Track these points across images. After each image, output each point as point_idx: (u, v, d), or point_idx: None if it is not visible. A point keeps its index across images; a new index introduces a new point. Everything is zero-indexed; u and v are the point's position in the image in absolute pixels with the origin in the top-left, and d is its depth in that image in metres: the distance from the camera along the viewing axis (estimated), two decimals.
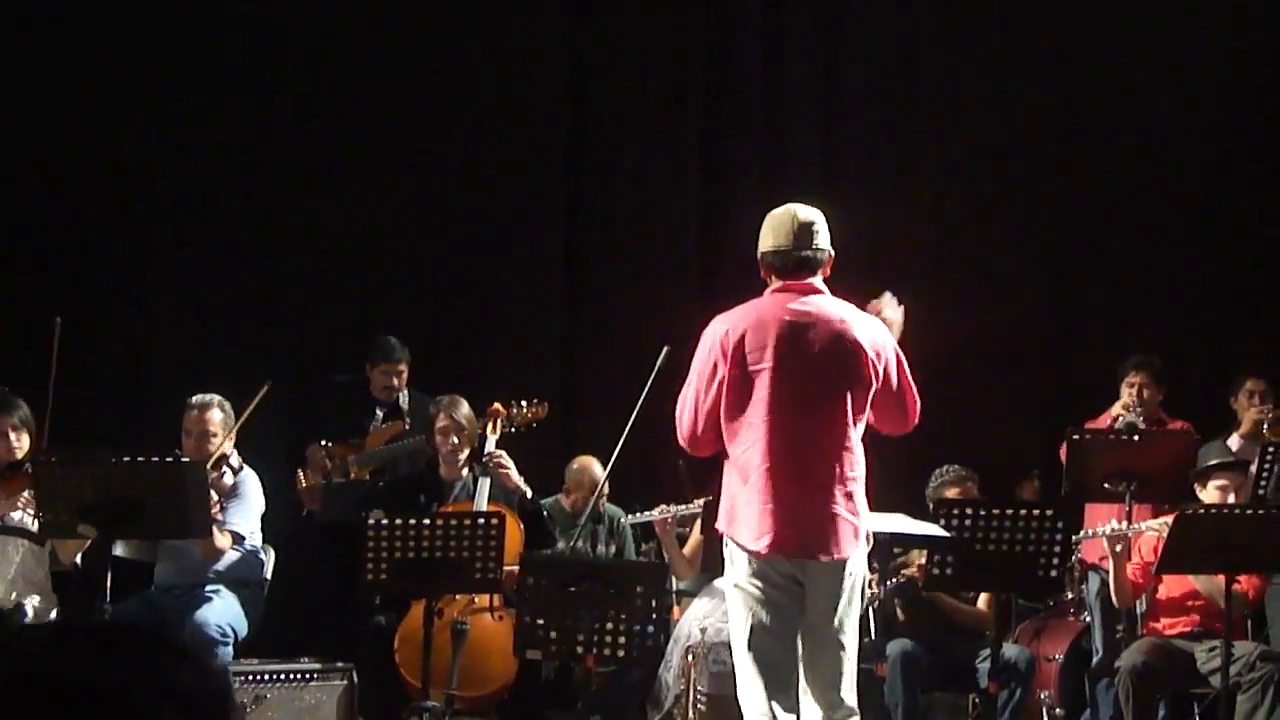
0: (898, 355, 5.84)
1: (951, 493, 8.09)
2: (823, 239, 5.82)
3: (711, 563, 7.97)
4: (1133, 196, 11.45)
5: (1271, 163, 11.54)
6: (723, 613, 7.33)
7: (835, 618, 5.69)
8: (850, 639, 5.76)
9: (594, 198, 11.21)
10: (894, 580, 7.80)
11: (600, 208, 11.20)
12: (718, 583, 7.55)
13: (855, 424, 5.70)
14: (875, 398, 5.74)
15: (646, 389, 7.45)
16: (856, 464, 5.71)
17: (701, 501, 8.09)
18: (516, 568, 7.32)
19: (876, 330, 5.80)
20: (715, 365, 5.69)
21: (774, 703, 5.64)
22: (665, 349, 7.59)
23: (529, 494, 8.04)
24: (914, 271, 10.13)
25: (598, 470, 8.46)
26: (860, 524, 5.73)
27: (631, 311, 10.75)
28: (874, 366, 5.71)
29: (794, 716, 5.69)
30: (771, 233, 5.83)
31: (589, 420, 9.82)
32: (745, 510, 5.63)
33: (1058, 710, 9.04)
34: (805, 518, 5.62)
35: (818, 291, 5.79)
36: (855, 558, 5.73)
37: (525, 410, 8.22)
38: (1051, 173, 11.50)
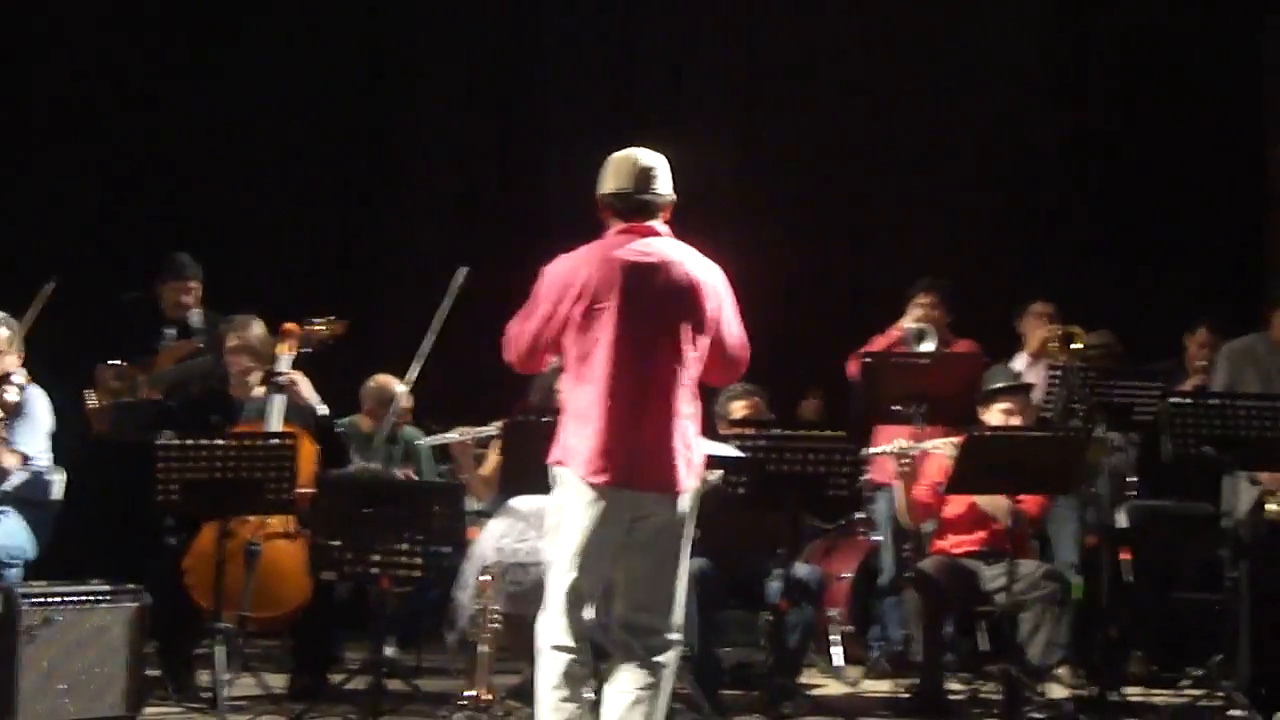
0: (734, 303, 5.90)
1: (738, 407, 8.17)
2: (664, 183, 5.85)
3: (509, 484, 7.97)
4: (927, 121, 11.64)
5: (1051, 93, 11.83)
6: (519, 533, 7.35)
7: (673, 552, 5.75)
8: (684, 573, 5.82)
9: (394, 117, 11.10)
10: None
11: (401, 127, 11.09)
12: (514, 503, 7.55)
13: (694, 363, 5.76)
14: (713, 342, 5.80)
15: (444, 310, 7.43)
16: (693, 400, 5.78)
17: (499, 423, 8.08)
18: (311, 488, 7.27)
19: (715, 274, 5.85)
20: (559, 300, 5.69)
21: (574, 628, 5.68)
22: (463, 270, 7.56)
23: (324, 413, 7.97)
24: (712, 201, 10.18)
25: (397, 387, 8.41)
26: (696, 459, 5.80)
27: (429, 231, 10.68)
28: (712, 309, 5.78)
29: (587, 640, 5.73)
30: (613, 175, 5.84)
31: (386, 339, 9.74)
32: (587, 444, 5.65)
33: (847, 627, 9.20)
34: (648, 452, 5.67)
35: (658, 234, 5.82)
36: (692, 492, 5.79)
37: (321, 328, 8.12)
38: (844, 108, 11.65)
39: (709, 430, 7.06)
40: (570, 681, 5.67)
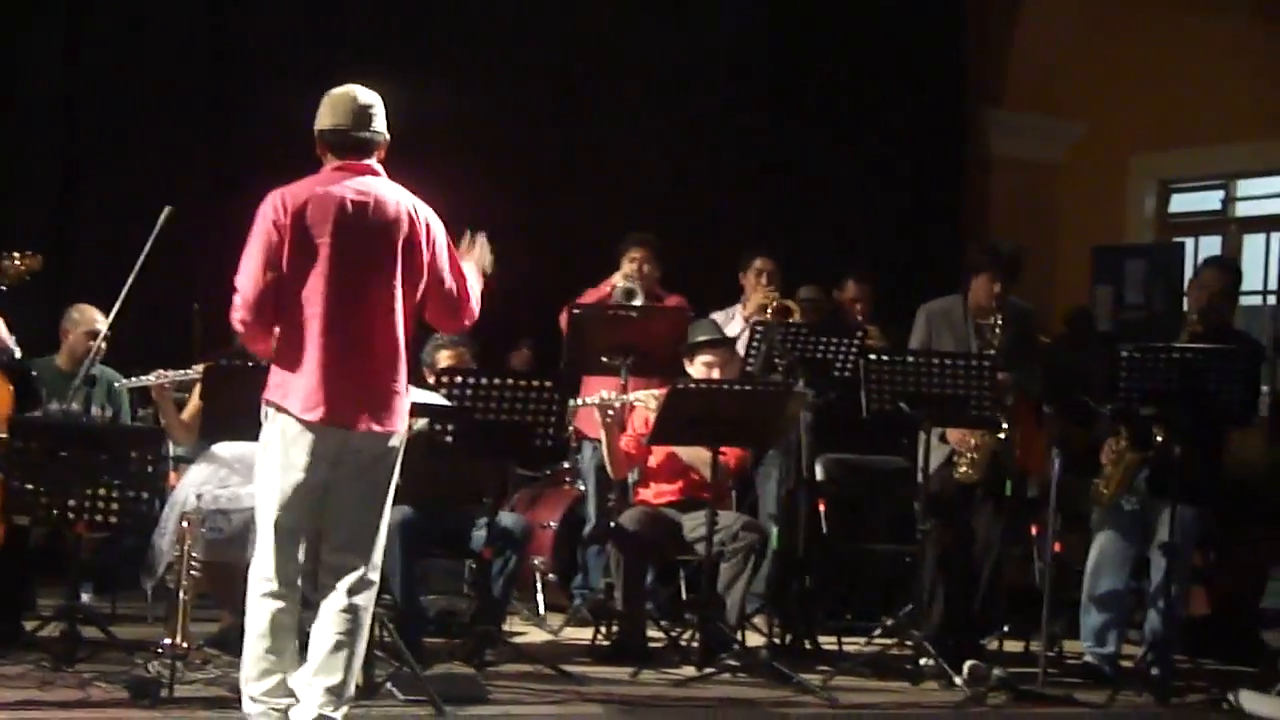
0: (449, 247, 5.94)
1: (444, 356, 8.15)
2: (380, 122, 5.87)
3: (210, 429, 7.85)
4: (643, 72, 11.72)
5: (763, 55, 12.01)
6: (220, 479, 7.27)
7: (378, 492, 5.77)
8: (387, 514, 5.83)
9: (97, 47, 10.77)
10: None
11: (105, 57, 10.77)
12: (216, 449, 7.47)
13: (405, 303, 5.77)
14: (428, 285, 5.85)
15: (147, 249, 7.28)
16: (401, 347, 5.80)
17: (200, 366, 7.94)
18: (3, 430, 7.07)
19: (430, 215, 5.87)
20: (273, 241, 5.65)
21: (283, 572, 5.67)
22: (168, 209, 7.41)
23: (18, 354, 7.74)
24: (430, 152, 10.13)
25: (98, 317, 8.20)
26: (407, 399, 5.81)
27: (132, 168, 10.41)
28: (427, 249, 5.82)
29: (296, 587, 5.71)
30: (330, 112, 5.84)
31: (84, 278, 9.48)
32: (300, 381, 5.63)
33: (551, 575, 9.28)
34: (360, 390, 5.69)
35: (375, 173, 5.83)
36: (401, 433, 5.80)
37: (17, 263, 7.86)
38: (559, 57, 11.66)
39: (415, 378, 7.06)
40: (276, 631, 5.66)
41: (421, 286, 5.84)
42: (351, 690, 5.75)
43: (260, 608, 5.68)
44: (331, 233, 5.66)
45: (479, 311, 6.11)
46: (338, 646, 5.68)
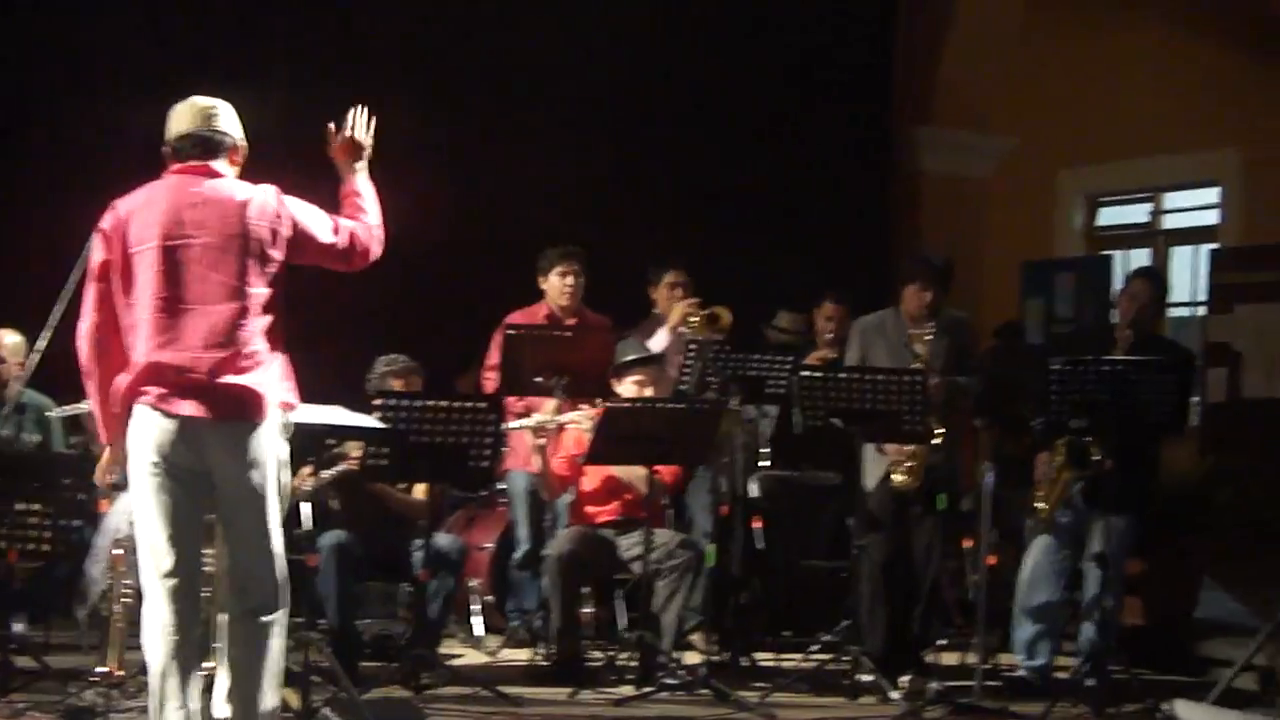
0: (311, 208, 5.79)
1: (397, 384, 8.11)
2: (225, 123, 5.79)
3: None
4: (554, 95, 11.68)
5: (681, 64, 12.00)
6: None
7: (254, 508, 5.54)
8: (275, 530, 5.65)
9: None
10: (331, 471, 7.72)
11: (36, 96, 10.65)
12: None
13: (254, 298, 5.58)
14: (306, 255, 5.72)
15: (74, 277, 7.23)
16: (258, 340, 5.58)
17: None
18: None
19: (283, 199, 5.71)
20: (103, 249, 5.59)
21: (177, 607, 5.48)
22: (96, 236, 7.36)
23: None
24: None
25: (20, 339, 8.12)
26: (267, 396, 5.56)
27: (60, 192, 10.33)
28: (279, 234, 5.64)
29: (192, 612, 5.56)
30: (174, 123, 5.78)
31: (12, 306, 9.40)
32: (147, 385, 5.49)
33: (487, 597, 9.26)
34: (202, 388, 5.46)
35: (216, 175, 5.72)
36: (265, 443, 5.55)
37: None
38: (482, 71, 11.59)
39: (354, 400, 7.05)
40: (180, 669, 5.44)
41: (275, 275, 5.65)
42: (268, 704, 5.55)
43: (156, 644, 5.46)
44: (160, 235, 5.53)
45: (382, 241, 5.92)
46: (250, 669, 5.46)
